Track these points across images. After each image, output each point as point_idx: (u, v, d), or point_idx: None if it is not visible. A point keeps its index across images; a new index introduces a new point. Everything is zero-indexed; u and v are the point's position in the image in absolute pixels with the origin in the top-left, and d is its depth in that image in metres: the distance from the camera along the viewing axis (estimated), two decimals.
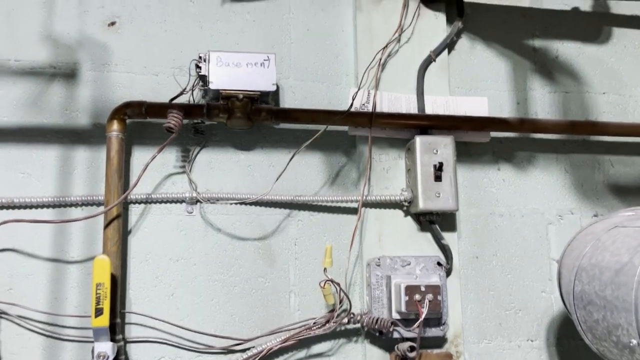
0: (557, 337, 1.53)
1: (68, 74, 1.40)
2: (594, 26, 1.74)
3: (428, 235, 1.47)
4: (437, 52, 1.56)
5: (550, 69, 1.68)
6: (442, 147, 1.42)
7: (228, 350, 1.36)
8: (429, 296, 1.29)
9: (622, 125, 1.60)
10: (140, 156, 1.39)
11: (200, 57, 1.35)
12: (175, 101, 1.36)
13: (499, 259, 1.55)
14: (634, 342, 0.91)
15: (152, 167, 1.34)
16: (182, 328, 1.33)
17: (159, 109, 1.33)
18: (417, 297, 1.29)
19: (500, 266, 1.54)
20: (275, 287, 1.42)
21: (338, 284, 1.31)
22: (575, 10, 1.73)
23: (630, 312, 0.91)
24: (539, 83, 1.67)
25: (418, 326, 1.29)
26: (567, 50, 1.70)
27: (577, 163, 1.64)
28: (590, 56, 1.72)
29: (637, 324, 0.90)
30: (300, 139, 1.44)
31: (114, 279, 1.23)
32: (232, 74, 1.33)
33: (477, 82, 1.63)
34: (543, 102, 1.66)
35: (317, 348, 1.41)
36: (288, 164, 1.39)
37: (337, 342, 1.42)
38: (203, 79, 1.35)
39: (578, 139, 1.65)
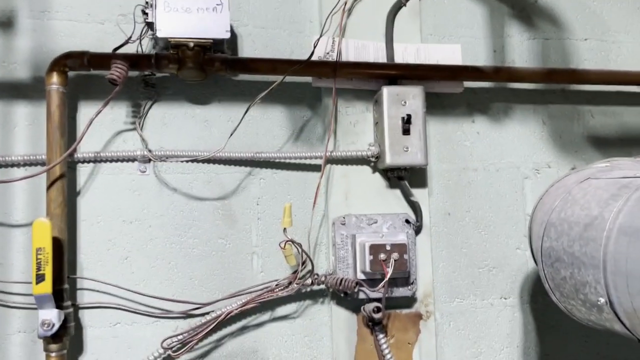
0: (531, 294, 1.49)
1: (4, 23, 1.28)
2: None
3: (397, 192, 1.40)
4: None
5: (529, 13, 1.58)
6: (411, 98, 1.33)
7: (187, 315, 1.30)
8: (395, 255, 1.23)
9: (603, 72, 1.52)
10: (87, 112, 1.29)
11: (147, 2, 1.24)
12: (120, 51, 1.26)
13: (472, 216, 1.48)
14: (602, 300, 0.85)
15: (101, 123, 1.26)
16: (138, 293, 1.27)
17: (103, 60, 1.22)
18: (382, 256, 1.23)
19: (473, 223, 1.48)
20: (236, 249, 1.35)
21: (300, 245, 1.24)
22: None
23: (598, 269, 0.85)
24: (517, 29, 1.57)
25: (383, 286, 1.23)
26: None
27: (555, 114, 1.57)
28: (572, 0, 1.61)
29: (605, 281, 0.84)
30: (261, 91, 1.34)
31: (58, 242, 1.16)
32: (181, 20, 1.22)
33: (451, 28, 1.53)
34: (521, 50, 1.57)
35: (281, 310, 1.36)
36: (243, 117, 1.29)
37: (303, 304, 1.37)
38: (150, 26, 1.24)
39: (557, 89, 1.57)
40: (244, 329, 1.33)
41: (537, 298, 1.49)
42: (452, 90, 1.46)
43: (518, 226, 1.50)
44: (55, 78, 1.20)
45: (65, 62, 1.22)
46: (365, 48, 1.41)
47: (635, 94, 1.61)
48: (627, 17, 1.64)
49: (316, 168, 1.40)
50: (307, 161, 1.39)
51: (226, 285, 1.33)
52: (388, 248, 1.23)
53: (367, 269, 1.24)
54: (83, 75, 1.29)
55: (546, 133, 1.55)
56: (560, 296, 0.98)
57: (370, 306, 1.27)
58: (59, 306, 1.13)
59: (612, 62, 1.61)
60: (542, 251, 1.00)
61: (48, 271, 1.08)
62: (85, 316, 1.26)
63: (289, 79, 1.33)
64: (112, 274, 1.28)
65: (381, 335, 1.32)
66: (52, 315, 1.11)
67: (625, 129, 1.60)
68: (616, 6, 1.64)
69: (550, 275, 0.98)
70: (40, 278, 1.07)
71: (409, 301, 1.38)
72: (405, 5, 1.45)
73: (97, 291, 1.27)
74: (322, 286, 1.33)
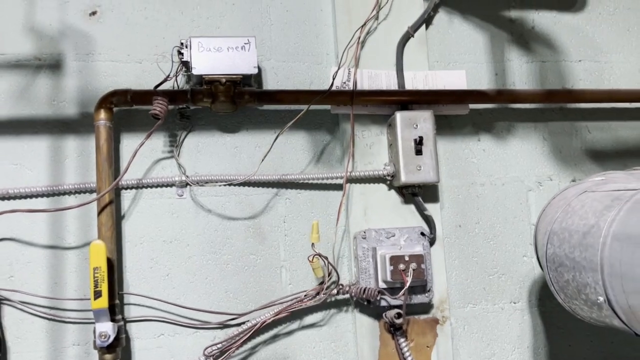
0: (538, 298, 1.60)
1: (53, 65, 1.43)
2: None
3: (412, 207, 1.53)
4: (415, 28, 1.59)
5: (527, 39, 1.72)
6: (422, 121, 1.46)
7: (224, 325, 1.42)
8: (413, 265, 1.35)
9: (597, 91, 1.65)
10: (129, 143, 1.43)
11: (182, 44, 1.38)
12: (159, 88, 1.39)
13: (481, 227, 1.61)
14: (601, 299, 0.97)
15: (142, 153, 1.38)
16: (179, 306, 1.39)
17: (144, 96, 1.36)
18: (402, 266, 1.35)
19: (482, 233, 1.60)
20: (266, 263, 1.48)
21: (326, 258, 1.37)
22: None
23: (596, 271, 0.97)
24: (516, 53, 1.71)
25: (403, 294, 1.36)
26: (543, 20, 1.74)
27: (555, 130, 1.69)
28: (566, 25, 1.75)
29: (603, 282, 0.96)
30: (285, 119, 1.48)
31: (110, 262, 1.29)
32: (213, 59, 1.36)
33: (456, 55, 1.66)
34: (520, 72, 1.70)
35: (309, 319, 1.48)
36: (272, 144, 1.43)
37: (329, 313, 1.49)
38: (186, 64, 1.38)
39: (555, 107, 1.70)
40: (275, 337, 1.45)
41: (545, 302, 1.60)
42: (458, 112, 1.59)
43: (524, 235, 1.62)
44: (102, 114, 1.34)
45: (111, 99, 1.36)
46: (378, 77, 1.55)
47: (628, 109, 1.73)
48: (618, 39, 1.77)
49: (337, 187, 1.52)
50: (329, 181, 1.52)
51: (258, 297, 1.45)
52: (407, 259, 1.36)
53: (388, 278, 1.36)
54: (124, 110, 1.42)
55: (547, 148, 1.68)
56: (565, 297, 1.10)
57: (392, 312, 1.39)
58: (112, 319, 1.26)
59: (606, 80, 1.74)
60: (547, 257, 1.12)
61: (104, 288, 1.21)
62: (133, 329, 1.38)
63: (310, 107, 1.46)
64: (155, 289, 1.40)
65: (402, 340, 1.44)
66: (107, 328, 1.23)
67: (621, 142, 1.73)
68: (607, 29, 1.77)
69: (555, 278, 1.11)
70: (97, 294, 1.20)
71: (426, 307, 1.50)
72: (413, 35, 1.59)
73: (143, 305, 1.39)
74: (347, 295, 1.45)
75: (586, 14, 1.77)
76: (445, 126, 1.61)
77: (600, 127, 1.72)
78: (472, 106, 1.61)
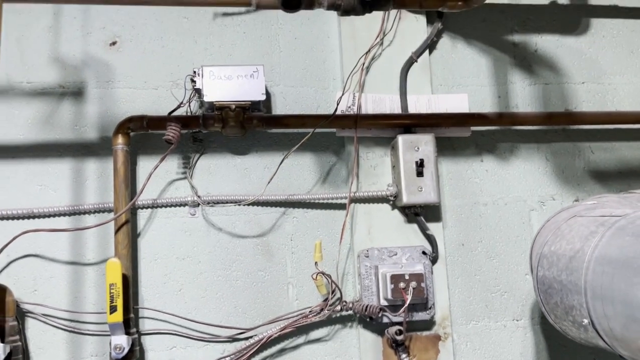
0: (540, 316, 1.63)
1: (76, 92, 1.53)
2: (572, 18, 1.81)
3: (414, 226, 1.58)
4: (419, 53, 1.65)
5: (530, 62, 1.76)
6: (423, 144, 1.52)
7: (233, 339, 1.49)
8: (413, 283, 1.40)
9: (598, 114, 1.68)
10: (145, 165, 1.52)
11: (194, 72, 1.46)
12: (173, 114, 1.48)
13: (484, 246, 1.65)
14: (586, 321, 1.01)
15: (156, 174, 1.47)
16: (191, 320, 1.47)
17: (159, 122, 1.45)
18: (402, 284, 1.40)
19: (485, 252, 1.64)
20: (274, 280, 1.54)
21: (329, 276, 1.43)
22: (554, 3, 1.80)
23: (581, 294, 1.01)
24: (519, 76, 1.75)
25: (404, 311, 1.41)
26: (546, 43, 1.78)
27: (558, 151, 1.73)
28: (569, 47, 1.79)
29: (586, 305, 1.00)
30: (293, 141, 1.55)
31: (125, 278, 1.37)
32: (224, 86, 1.45)
33: (459, 78, 1.72)
34: (523, 95, 1.74)
35: (314, 334, 1.53)
36: (279, 166, 1.51)
37: (333, 329, 1.54)
38: (198, 91, 1.46)
39: (558, 129, 1.74)
40: (282, 351, 1.51)
41: (546, 320, 1.62)
42: (461, 135, 1.64)
43: (526, 254, 1.65)
44: (120, 139, 1.43)
45: (128, 125, 1.45)
46: (381, 101, 1.61)
47: (632, 130, 1.76)
48: (621, 61, 1.81)
49: (342, 207, 1.58)
50: (334, 201, 1.59)
51: (266, 312, 1.52)
52: (407, 277, 1.41)
53: (389, 296, 1.41)
54: (140, 134, 1.51)
55: (549, 169, 1.71)
56: (555, 318, 1.14)
57: (393, 329, 1.44)
58: (127, 332, 1.34)
59: (609, 102, 1.78)
60: (538, 279, 1.16)
61: (119, 303, 1.29)
62: (147, 341, 1.46)
63: (316, 130, 1.53)
64: (169, 304, 1.48)
65: (404, 355, 1.49)
66: (122, 341, 1.31)
67: (624, 162, 1.75)
68: (610, 51, 1.81)
69: (545, 300, 1.15)
70: (113, 309, 1.29)
71: (428, 324, 1.55)
72: (416, 61, 1.65)
73: (156, 319, 1.47)
74: (350, 312, 1.51)
75: (589, 36, 1.81)
76: (448, 147, 1.66)
77: (603, 147, 1.75)
78: (474, 128, 1.66)
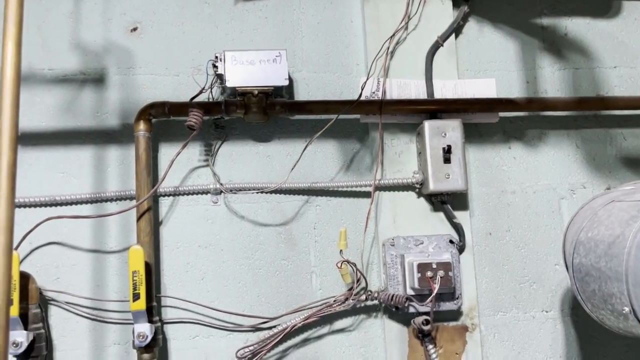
0: (571, 307, 1.59)
1: (97, 79, 1.51)
2: (604, 0, 1.75)
3: (441, 214, 1.54)
4: (445, 37, 1.60)
5: (559, 46, 1.71)
6: (450, 130, 1.48)
7: (256, 328, 1.47)
8: (441, 272, 1.37)
9: (631, 98, 1.62)
10: (167, 152, 1.50)
11: (216, 57, 1.44)
12: (195, 100, 1.46)
13: (512, 235, 1.60)
14: (627, 309, 0.97)
15: (178, 161, 1.44)
16: (213, 309, 1.45)
17: (181, 108, 1.43)
18: (429, 273, 1.37)
19: (513, 241, 1.60)
20: (297, 269, 1.52)
21: (354, 264, 1.40)
22: None
23: (622, 281, 0.97)
24: (548, 61, 1.70)
25: (431, 301, 1.37)
26: (576, 26, 1.72)
27: (588, 138, 1.67)
28: (600, 31, 1.73)
29: (628, 293, 0.96)
30: (316, 128, 1.52)
31: (148, 266, 1.35)
32: (246, 72, 1.42)
33: (486, 63, 1.67)
34: (553, 80, 1.69)
35: (339, 324, 1.51)
36: (302, 153, 1.48)
37: (358, 318, 1.51)
38: (220, 77, 1.44)
39: (589, 115, 1.68)
40: (306, 341, 1.49)
41: (577, 310, 1.58)
42: (488, 121, 1.60)
43: (556, 244, 1.60)
44: (142, 125, 1.42)
45: (150, 111, 1.43)
46: (407, 86, 1.57)
47: None
48: None
49: (366, 195, 1.55)
50: (358, 189, 1.55)
51: (289, 302, 1.49)
52: (434, 266, 1.37)
53: (416, 285, 1.38)
54: (162, 121, 1.49)
55: (580, 156, 1.66)
56: (592, 307, 1.10)
57: (419, 319, 1.41)
58: (150, 321, 1.32)
59: None
60: (574, 267, 1.12)
61: (142, 290, 1.28)
62: (169, 330, 1.44)
63: (340, 116, 1.50)
64: (191, 293, 1.46)
65: (431, 346, 1.45)
66: (145, 329, 1.30)
67: None
68: None
69: (581, 288, 1.10)
70: (136, 296, 1.27)
71: (455, 314, 1.51)
72: (442, 45, 1.60)
73: (179, 308, 1.45)
74: (375, 302, 1.47)
75: (621, 19, 1.74)
76: (475, 134, 1.61)
77: (636, 134, 1.69)
78: (502, 114, 1.61)
